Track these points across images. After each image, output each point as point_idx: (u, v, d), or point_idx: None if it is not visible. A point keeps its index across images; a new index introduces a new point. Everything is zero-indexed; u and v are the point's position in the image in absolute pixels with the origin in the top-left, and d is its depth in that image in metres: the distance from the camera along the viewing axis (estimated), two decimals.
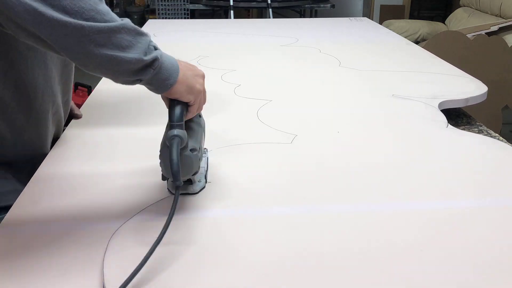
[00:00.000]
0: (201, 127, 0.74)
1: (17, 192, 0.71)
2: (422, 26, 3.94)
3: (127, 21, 0.59)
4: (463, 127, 1.09)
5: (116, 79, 0.61)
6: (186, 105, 0.67)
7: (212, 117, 1.05)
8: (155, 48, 0.62)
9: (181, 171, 0.62)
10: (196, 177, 0.73)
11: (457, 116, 1.16)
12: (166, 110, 0.67)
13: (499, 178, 0.75)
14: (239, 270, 0.54)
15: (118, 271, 0.53)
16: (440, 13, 5.07)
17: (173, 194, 0.71)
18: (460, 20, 3.83)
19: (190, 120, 0.72)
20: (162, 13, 3.86)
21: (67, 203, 0.71)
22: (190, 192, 0.72)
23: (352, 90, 1.19)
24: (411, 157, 0.82)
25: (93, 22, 0.55)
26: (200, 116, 0.75)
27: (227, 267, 0.55)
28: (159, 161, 0.65)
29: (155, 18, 3.67)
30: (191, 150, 0.67)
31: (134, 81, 0.61)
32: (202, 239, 0.60)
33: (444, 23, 4.10)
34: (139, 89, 0.69)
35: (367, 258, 0.57)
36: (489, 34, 2.82)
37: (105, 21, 0.56)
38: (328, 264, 0.56)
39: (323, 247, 0.59)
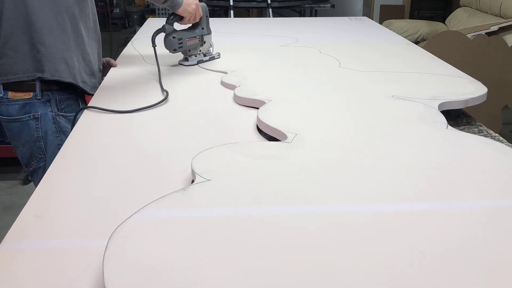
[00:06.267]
0: (196, 34, 1.46)
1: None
2: (422, 26, 3.94)
3: None
4: (463, 127, 1.09)
5: (157, 3, 1.31)
6: (181, 18, 1.37)
7: (213, 116, 1.05)
8: None
9: (169, 46, 1.39)
10: (190, 58, 1.47)
11: (457, 116, 1.16)
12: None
13: (499, 179, 0.75)
14: (238, 270, 0.54)
15: (118, 271, 0.53)
16: (440, 13, 5.08)
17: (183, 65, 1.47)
18: (460, 20, 3.84)
19: (194, 27, 1.46)
20: (162, 13, 3.86)
21: (66, 201, 0.71)
22: (185, 64, 1.46)
23: (351, 90, 1.19)
24: (410, 158, 0.82)
25: None
26: (203, 28, 1.47)
27: (227, 267, 0.55)
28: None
29: (156, 17, 3.68)
30: (173, 37, 1.38)
31: (164, 2, 1.29)
32: (201, 239, 0.60)
33: (444, 23, 4.10)
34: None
35: (366, 259, 0.57)
36: (489, 34, 2.82)
37: None
38: (328, 264, 0.56)
39: (323, 247, 0.59)
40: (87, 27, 1.28)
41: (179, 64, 1.46)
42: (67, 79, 1.21)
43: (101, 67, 1.38)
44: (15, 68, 1.17)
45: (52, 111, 1.23)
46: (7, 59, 1.17)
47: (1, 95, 1.19)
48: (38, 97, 1.20)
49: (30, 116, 1.21)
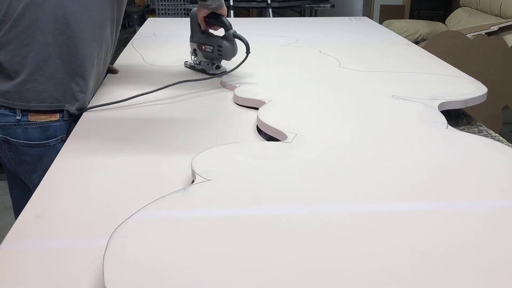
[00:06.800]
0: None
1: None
2: (422, 26, 3.95)
3: None
4: (463, 127, 1.09)
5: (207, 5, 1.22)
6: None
7: (213, 116, 1.05)
8: None
9: (235, 52, 1.28)
10: (221, 64, 1.36)
11: (457, 116, 1.16)
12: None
13: (499, 179, 0.75)
14: (238, 270, 0.54)
15: (118, 271, 0.53)
16: (440, 13, 5.08)
17: (214, 74, 1.32)
18: (460, 20, 3.84)
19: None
20: (162, 13, 3.86)
21: (67, 201, 0.71)
22: (223, 70, 1.33)
23: (351, 91, 1.19)
24: (410, 158, 0.82)
25: None
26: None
27: (227, 267, 0.55)
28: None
29: (156, 18, 3.68)
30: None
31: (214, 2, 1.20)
32: (201, 239, 0.60)
33: (444, 23, 4.10)
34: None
35: (366, 259, 0.57)
36: (489, 34, 2.83)
37: None
38: (328, 264, 0.56)
39: (323, 247, 0.59)
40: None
41: (211, 74, 1.34)
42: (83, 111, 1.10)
43: None
44: (42, 96, 1.04)
45: None
46: (37, 85, 1.03)
47: (19, 117, 1.04)
48: (66, 118, 1.08)
49: (57, 140, 1.08)
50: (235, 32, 1.24)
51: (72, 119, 1.08)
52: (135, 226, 0.62)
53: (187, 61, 1.43)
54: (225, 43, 1.26)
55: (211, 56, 1.33)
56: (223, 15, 1.25)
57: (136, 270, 0.53)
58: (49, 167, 1.07)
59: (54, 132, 1.08)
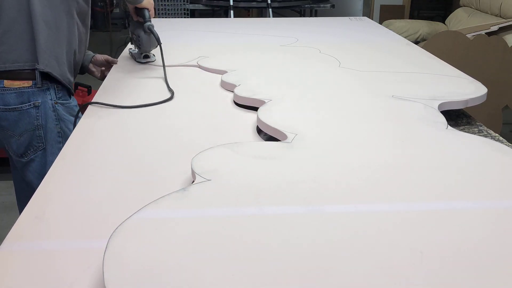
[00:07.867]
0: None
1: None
2: (422, 26, 3.94)
3: None
4: (463, 127, 1.09)
5: None
6: (148, 11, 1.37)
7: (213, 116, 1.05)
8: None
9: (153, 44, 1.40)
10: (151, 54, 1.46)
11: (457, 116, 1.16)
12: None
13: (499, 179, 0.75)
14: (238, 270, 0.54)
15: (118, 271, 0.53)
16: (440, 13, 5.08)
17: (141, 62, 1.46)
18: (460, 20, 3.83)
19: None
20: (162, 13, 3.86)
21: (67, 202, 0.71)
22: (151, 61, 1.46)
23: (351, 91, 1.19)
24: (410, 158, 0.82)
25: None
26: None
27: (226, 267, 0.55)
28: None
29: (155, 18, 3.67)
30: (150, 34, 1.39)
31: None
32: (201, 239, 0.60)
33: (444, 23, 4.10)
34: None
35: (366, 259, 0.57)
36: (489, 34, 2.82)
37: None
38: (328, 264, 0.56)
39: (323, 247, 0.59)
40: (85, 25, 1.32)
41: (138, 61, 1.48)
42: (55, 74, 1.23)
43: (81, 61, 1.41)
44: (15, 56, 1.17)
45: (51, 99, 1.23)
46: (8, 47, 1.17)
47: None
48: (38, 85, 1.20)
49: (30, 105, 1.20)
50: (150, 26, 1.35)
51: (46, 86, 1.20)
52: (135, 226, 0.62)
53: (131, 48, 1.55)
54: (142, 33, 1.38)
55: (137, 45, 1.45)
56: (147, 9, 1.37)
57: (136, 270, 0.53)
58: (24, 132, 1.22)
59: (28, 98, 1.20)
